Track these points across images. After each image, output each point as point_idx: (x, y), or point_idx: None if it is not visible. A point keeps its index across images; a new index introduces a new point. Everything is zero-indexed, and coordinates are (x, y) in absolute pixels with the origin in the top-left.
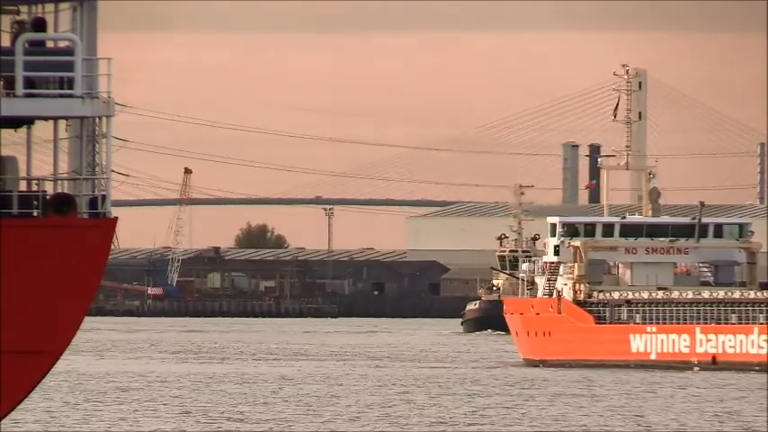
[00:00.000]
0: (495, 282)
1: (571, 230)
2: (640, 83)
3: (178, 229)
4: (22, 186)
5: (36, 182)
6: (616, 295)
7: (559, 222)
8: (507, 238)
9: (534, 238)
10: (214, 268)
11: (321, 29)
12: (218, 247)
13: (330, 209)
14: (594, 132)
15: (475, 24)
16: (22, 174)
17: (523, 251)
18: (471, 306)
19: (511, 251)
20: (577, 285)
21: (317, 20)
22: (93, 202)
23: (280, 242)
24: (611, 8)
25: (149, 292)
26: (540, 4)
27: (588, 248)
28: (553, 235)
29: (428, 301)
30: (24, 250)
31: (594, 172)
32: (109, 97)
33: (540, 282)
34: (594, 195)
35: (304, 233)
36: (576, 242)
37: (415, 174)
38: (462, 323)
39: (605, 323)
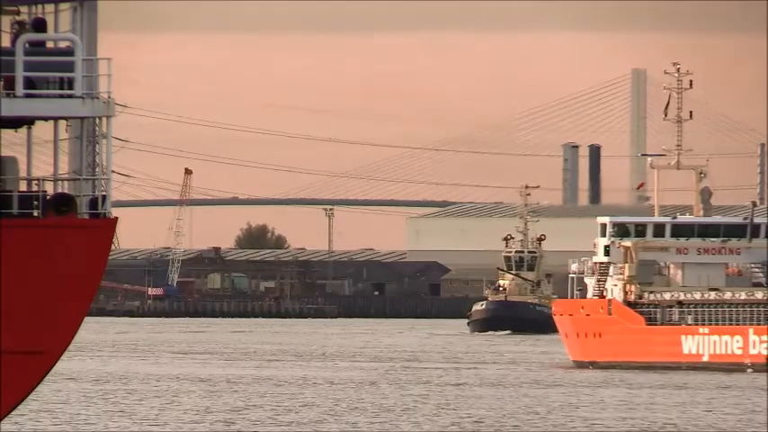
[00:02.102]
0: (501, 282)
1: (621, 230)
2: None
3: (178, 229)
4: (23, 186)
5: (36, 182)
6: (667, 296)
7: (610, 222)
8: (513, 238)
9: (540, 239)
10: (214, 269)
11: (321, 29)
12: (219, 248)
13: (330, 209)
14: (595, 133)
15: (475, 24)
16: (23, 174)
17: (529, 252)
18: (478, 306)
19: (517, 252)
20: (628, 286)
21: (318, 20)
22: (93, 203)
23: (280, 243)
24: (612, 8)
25: (150, 292)
26: (539, 5)
27: (639, 249)
28: (603, 235)
29: (428, 302)
30: (24, 250)
31: (595, 172)
32: (109, 97)
33: (590, 282)
34: (595, 196)
35: (304, 233)
36: (627, 242)
37: (415, 174)
38: (469, 323)
39: (657, 324)
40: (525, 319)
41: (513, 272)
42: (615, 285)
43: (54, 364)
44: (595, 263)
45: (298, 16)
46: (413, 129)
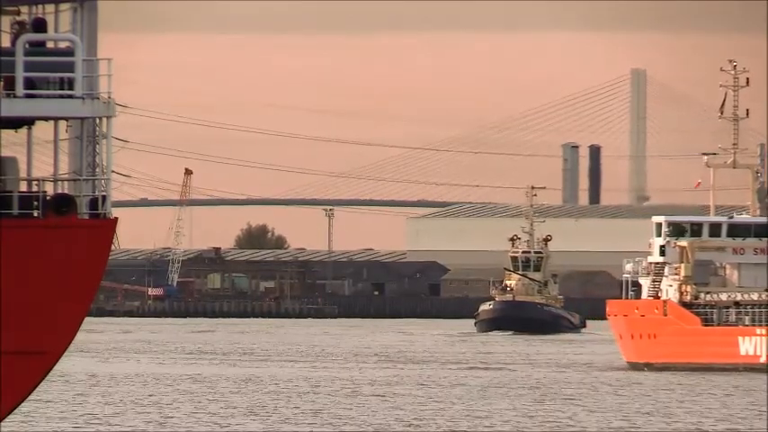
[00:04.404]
0: (507, 282)
1: (677, 230)
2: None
3: (178, 229)
4: (23, 187)
5: (36, 182)
6: (724, 297)
7: (665, 222)
8: (519, 239)
9: (546, 240)
10: (214, 269)
11: (322, 29)
12: (219, 248)
13: (330, 209)
14: (595, 133)
15: (475, 24)
16: (23, 174)
17: (535, 252)
18: (485, 306)
19: (523, 252)
20: (684, 287)
21: (318, 20)
22: (93, 203)
23: (280, 243)
24: (612, 8)
25: (150, 292)
26: (539, 5)
27: (695, 249)
28: (658, 235)
29: (428, 302)
30: (24, 250)
31: (595, 172)
32: (109, 98)
33: (645, 283)
34: (595, 196)
35: (304, 234)
36: (683, 242)
37: (415, 174)
38: (476, 323)
39: (713, 325)
40: (533, 320)
41: (519, 272)
42: (670, 286)
43: (54, 364)
44: (650, 263)
45: (298, 16)
46: (413, 129)
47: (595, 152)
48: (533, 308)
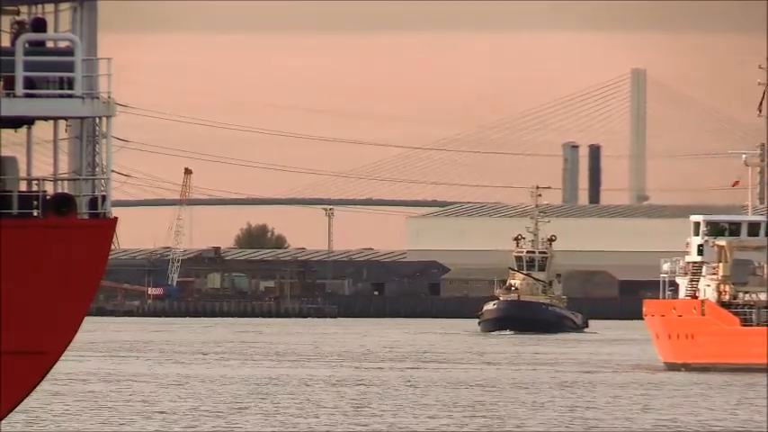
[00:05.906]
0: (511, 282)
1: (715, 229)
2: None
3: (178, 229)
4: (22, 187)
5: (36, 182)
6: (763, 296)
7: (703, 221)
8: (524, 239)
9: (551, 240)
10: (214, 268)
11: (322, 29)
12: (219, 248)
13: (330, 209)
14: (595, 133)
15: (475, 24)
16: (23, 174)
17: (540, 252)
18: (489, 306)
19: (528, 252)
20: (722, 286)
21: (318, 20)
22: (93, 203)
23: (280, 242)
24: (612, 8)
25: (150, 292)
26: (539, 5)
27: (734, 248)
28: (696, 234)
29: (428, 302)
30: (24, 250)
31: (595, 172)
32: (109, 97)
33: (682, 283)
34: (595, 196)
35: (304, 234)
36: (721, 241)
37: (415, 174)
38: (480, 323)
39: (752, 325)
40: (538, 320)
41: (524, 272)
42: (708, 285)
43: (54, 364)
44: (688, 262)
45: (298, 16)
46: (413, 129)
47: (595, 152)
48: (538, 308)
